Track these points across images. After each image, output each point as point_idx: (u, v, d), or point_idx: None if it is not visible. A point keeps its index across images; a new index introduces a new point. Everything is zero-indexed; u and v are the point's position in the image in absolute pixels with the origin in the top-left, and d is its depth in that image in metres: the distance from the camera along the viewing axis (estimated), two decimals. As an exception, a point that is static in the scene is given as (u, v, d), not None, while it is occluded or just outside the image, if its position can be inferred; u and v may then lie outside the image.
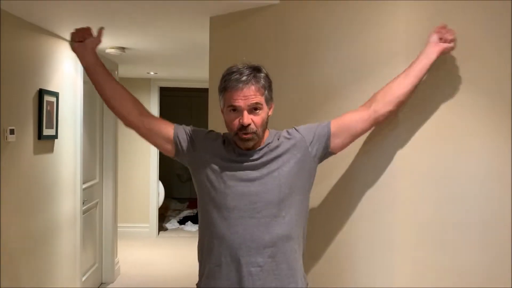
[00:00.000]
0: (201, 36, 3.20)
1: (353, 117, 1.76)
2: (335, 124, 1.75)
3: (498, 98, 1.98)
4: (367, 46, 2.10)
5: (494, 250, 1.98)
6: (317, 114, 2.30)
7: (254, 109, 1.61)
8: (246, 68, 1.62)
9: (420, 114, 2.00)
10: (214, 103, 2.84)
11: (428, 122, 2.00)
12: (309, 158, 1.71)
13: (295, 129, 1.76)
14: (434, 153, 2.00)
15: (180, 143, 1.74)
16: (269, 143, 1.71)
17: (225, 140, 1.75)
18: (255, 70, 1.63)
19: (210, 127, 2.86)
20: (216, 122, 2.81)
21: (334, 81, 2.22)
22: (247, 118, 1.59)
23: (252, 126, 1.60)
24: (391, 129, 2.03)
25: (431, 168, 2.00)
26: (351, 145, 2.16)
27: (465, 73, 2.00)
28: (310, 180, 1.74)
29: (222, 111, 1.70)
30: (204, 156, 1.71)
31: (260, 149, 1.69)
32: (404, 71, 1.79)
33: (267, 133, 1.74)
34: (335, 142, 1.74)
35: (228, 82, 1.61)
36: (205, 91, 3.75)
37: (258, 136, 1.64)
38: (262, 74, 1.64)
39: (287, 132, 1.75)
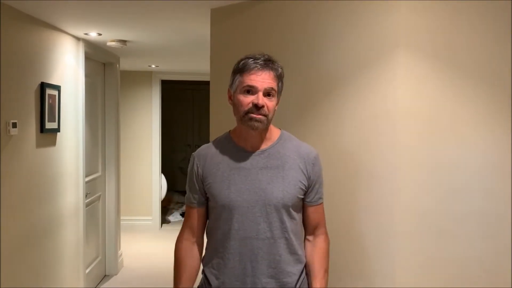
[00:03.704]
0: (202, 29, 3.19)
1: (310, 218, 1.75)
2: (312, 209, 1.74)
3: (498, 91, 1.99)
4: (368, 38, 2.10)
5: (495, 240, 2.00)
6: (319, 106, 2.30)
7: (268, 94, 1.61)
8: (264, 56, 1.64)
9: (419, 107, 2.01)
10: (216, 95, 2.84)
11: (429, 115, 2.01)
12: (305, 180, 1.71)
13: (317, 164, 1.72)
14: (435, 145, 2.00)
15: (205, 196, 1.74)
16: (272, 146, 1.69)
17: (219, 144, 1.74)
18: (272, 60, 1.65)
19: (211, 120, 2.87)
20: (218, 115, 2.81)
21: (336, 72, 2.22)
22: (262, 99, 1.59)
23: (265, 109, 1.60)
24: (392, 122, 2.03)
25: (432, 160, 2.00)
26: (351, 138, 2.16)
27: (465, 66, 2.00)
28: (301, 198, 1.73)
29: (230, 97, 1.68)
30: (210, 173, 1.70)
31: (264, 151, 1.68)
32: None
33: (276, 132, 1.73)
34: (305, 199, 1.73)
35: (246, 65, 1.62)
36: (206, 84, 3.75)
37: (268, 122, 1.63)
38: (279, 65, 1.66)
39: (314, 157, 1.71)
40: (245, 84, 1.61)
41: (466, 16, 1.98)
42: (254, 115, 1.60)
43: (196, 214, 1.76)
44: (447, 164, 2.00)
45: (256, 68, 1.60)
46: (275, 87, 1.62)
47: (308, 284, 1.75)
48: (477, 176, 2.00)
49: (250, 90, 1.61)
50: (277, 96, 1.65)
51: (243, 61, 1.63)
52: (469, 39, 1.98)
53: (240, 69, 1.63)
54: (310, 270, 1.74)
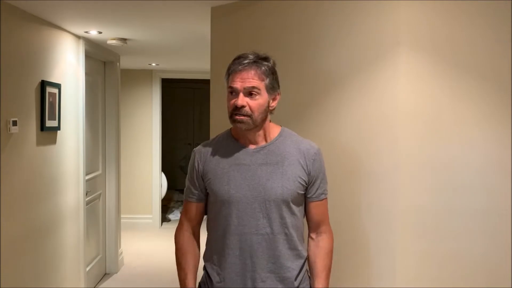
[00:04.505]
0: (203, 27, 3.19)
1: (312, 214, 1.75)
2: (314, 205, 1.74)
3: (499, 89, 1.99)
4: (369, 36, 2.09)
5: (495, 238, 2.00)
6: (319, 104, 2.30)
7: (250, 93, 1.62)
8: (252, 54, 1.65)
9: (420, 106, 2.00)
10: (216, 94, 2.84)
11: (429, 113, 2.00)
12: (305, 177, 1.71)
13: (318, 159, 1.72)
14: (436, 143, 2.00)
15: (205, 192, 1.75)
16: (272, 142, 1.70)
17: (219, 141, 1.76)
18: (261, 57, 1.66)
19: (211, 118, 2.87)
20: (218, 113, 2.81)
21: (337, 71, 2.22)
22: (241, 99, 1.62)
23: (247, 109, 1.61)
24: (392, 120, 2.03)
25: (433, 158, 2.00)
26: (352, 137, 2.16)
27: (466, 64, 2.00)
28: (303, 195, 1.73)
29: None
30: (210, 169, 1.72)
31: (263, 147, 1.69)
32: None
33: (276, 129, 1.73)
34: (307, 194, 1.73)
35: (231, 66, 1.65)
36: (207, 82, 3.75)
37: (253, 121, 1.64)
38: (266, 62, 1.66)
39: (315, 153, 1.71)
40: (228, 86, 1.65)
41: (467, 14, 1.98)
42: (236, 116, 1.63)
43: (194, 209, 1.78)
44: (448, 162, 2.00)
45: (238, 70, 1.62)
46: (259, 85, 1.62)
47: (310, 279, 1.76)
48: (478, 174, 2.00)
49: (233, 92, 1.64)
50: (267, 92, 1.65)
51: (231, 62, 1.67)
52: (470, 37, 1.98)
53: (228, 71, 1.67)
54: (312, 269, 1.75)
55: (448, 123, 2.00)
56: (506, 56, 1.96)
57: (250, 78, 1.62)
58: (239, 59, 1.64)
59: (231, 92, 1.64)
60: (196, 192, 1.76)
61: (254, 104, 1.62)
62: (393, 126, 2.02)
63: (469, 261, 2.00)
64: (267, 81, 1.64)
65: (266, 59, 1.66)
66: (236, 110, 1.62)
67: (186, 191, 1.79)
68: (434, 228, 2.00)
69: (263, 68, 1.64)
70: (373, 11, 2.08)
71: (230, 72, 1.65)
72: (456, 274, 2.00)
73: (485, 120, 1.99)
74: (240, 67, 1.62)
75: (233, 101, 1.63)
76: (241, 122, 1.62)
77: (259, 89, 1.63)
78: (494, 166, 1.99)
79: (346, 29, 2.17)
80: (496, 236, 1.99)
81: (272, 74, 1.67)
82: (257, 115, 1.63)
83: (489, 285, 1.98)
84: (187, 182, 1.79)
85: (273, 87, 1.67)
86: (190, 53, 4.71)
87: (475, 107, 2.00)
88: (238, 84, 1.62)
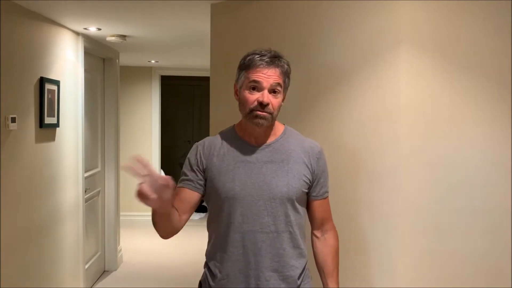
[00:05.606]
0: (202, 24, 3.18)
1: (316, 212, 1.75)
2: (318, 203, 1.74)
3: (499, 86, 1.98)
4: (370, 35, 2.08)
5: (494, 237, 1.99)
6: (320, 102, 2.29)
7: (273, 91, 1.60)
8: (270, 52, 1.63)
9: (421, 103, 2.00)
10: (216, 91, 2.83)
11: (430, 111, 2.00)
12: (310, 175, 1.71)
13: (322, 158, 1.73)
14: (437, 141, 2.00)
15: (205, 186, 1.71)
16: (277, 140, 1.69)
17: (224, 137, 1.73)
18: (280, 56, 1.65)
19: (211, 116, 2.86)
20: (218, 111, 2.80)
21: (337, 69, 2.21)
22: (267, 96, 1.59)
23: (270, 106, 1.60)
24: (393, 118, 2.02)
25: (434, 156, 2.00)
26: (353, 135, 2.16)
27: (467, 61, 1.99)
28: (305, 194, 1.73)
29: (236, 93, 1.68)
30: (213, 165, 1.69)
31: (268, 145, 1.68)
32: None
33: (280, 127, 1.73)
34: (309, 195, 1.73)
35: (252, 60, 1.61)
36: (206, 79, 3.74)
37: (272, 119, 1.63)
38: (285, 62, 1.65)
39: (319, 152, 1.71)
40: (251, 80, 1.60)
41: (468, 11, 1.97)
42: (259, 112, 1.59)
43: (184, 193, 1.70)
44: (449, 160, 1.99)
45: (262, 65, 1.59)
46: (281, 84, 1.62)
47: (310, 278, 1.75)
48: (478, 173, 1.99)
49: (256, 87, 1.60)
50: (283, 93, 1.65)
51: (249, 57, 1.62)
52: (471, 34, 1.97)
53: (246, 65, 1.62)
54: (323, 268, 1.75)
55: (448, 122, 1.99)
56: (507, 55, 1.96)
57: (276, 75, 1.60)
58: (257, 55, 1.61)
59: (252, 88, 1.60)
60: (192, 179, 1.71)
61: (276, 102, 1.61)
62: (394, 125, 2.01)
63: (469, 260, 2.00)
64: (286, 80, 1.65)
65: (282, 57, 1.65)
66: (259, 107, 1.59)
67: (180, 179, 1.73)
68: (434, 227, 2.00)
69: (285, 67, 1.63)
70: (374, 9, 2.07)
71: (250, 66, 1.60)
72: (456, 273, 1.99)
73: (485, 118, 1.99)
74: (263, 63, 1.59)
75: (256, 96, 1.59)
76: (263, 118, 1.59)
77: (281, 88, 1.62)
78: (494, 164, 1.99)
79: (347, 27, 2.16)
80: (496, 235, 1.99)
81: (289, 75, 1.67)
82: (275, 114, 1.63)
83: (489, 285, 1.98)
84: (183, 173, 1.73)
85: (287, 87, 1.67)
86: (190, 51, 4.70)
87: (476, 106, 1.99)
88: (264, 80, 1.58)
